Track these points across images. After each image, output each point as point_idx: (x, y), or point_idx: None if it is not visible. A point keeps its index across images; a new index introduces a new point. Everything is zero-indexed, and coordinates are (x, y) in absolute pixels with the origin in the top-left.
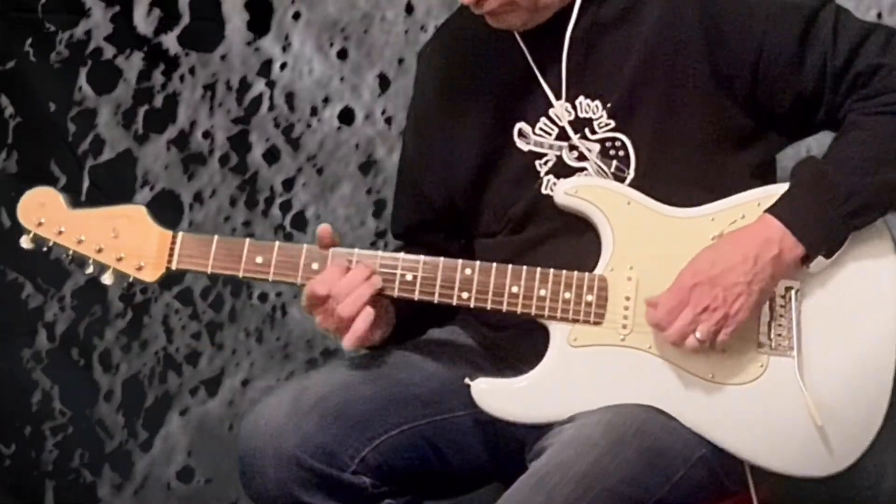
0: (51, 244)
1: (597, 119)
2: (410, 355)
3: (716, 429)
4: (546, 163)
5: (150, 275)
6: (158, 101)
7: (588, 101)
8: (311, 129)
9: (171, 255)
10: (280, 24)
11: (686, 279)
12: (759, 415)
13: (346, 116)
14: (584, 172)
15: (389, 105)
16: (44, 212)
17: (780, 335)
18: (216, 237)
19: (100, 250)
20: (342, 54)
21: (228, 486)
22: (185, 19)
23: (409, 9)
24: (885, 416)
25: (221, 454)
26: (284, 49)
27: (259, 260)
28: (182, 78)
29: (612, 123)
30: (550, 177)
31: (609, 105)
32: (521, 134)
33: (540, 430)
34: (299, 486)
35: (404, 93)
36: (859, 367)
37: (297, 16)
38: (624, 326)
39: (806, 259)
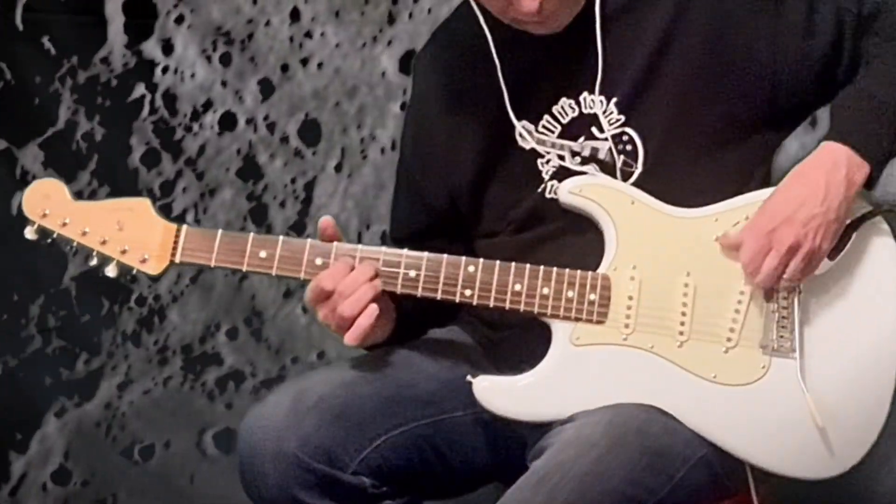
0: (55, 235)
1: (605, 115)
2: (411, 355)
3: (717, 429)
4: (548, 162)
5: (154, 267)
6: (38, 101)
7: (592, 97)
8: (192, 134)
9: (174, 249)
10: (163, 27)
11: (764, 224)
12: (761, 416)
13: (228, 121)
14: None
15: (272, 111)
16: (48, 203)
17: (782, 336)
18: (220, 231)
19: (104, 242)
20: (225, 59)
21: (104, 488)
22: (67, 20)
23: (295, 15)
24: (887, 418)
25: (98, 456)
26: (167, 52)
27: (263, 254)
28: (62, 79)
29: (623, 119)
30: (554, 182)
31: (617, 100)
32: (523, 133)
33: (541, 430)
34: (299, 487)
35: (288, 99)
36: (861, 369)
37: (180, 19)
38: (626, 326)
39: (870, 180)
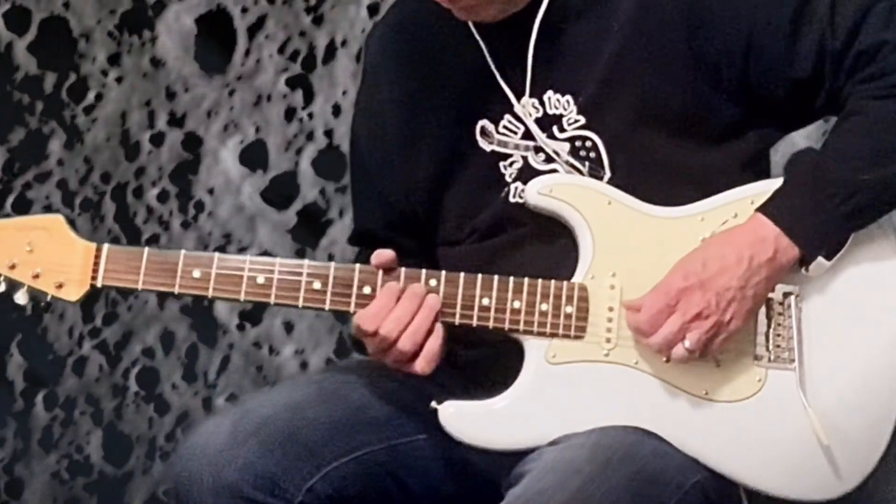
0: None
1: (566, 115)
2: (366, 373)
3: (711, 451)
4: (511, 164)
5: (73, 293)
6: None
7: (558, 95)
8: None
9: (95, 271)
10: None
11: (675, 281)
12: (759, 434)
13: None
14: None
15: None
16: None
17: (779, 346)
18: (146, 249)
19: (13, 266)
20: None
21: None
22: None
23: None
24: (894, 431)
25: None
26: None
27: (196, 274)
28: None
29: (582, 120)
30: (518, 184)
31: (580, 100)
32: (484, 133)
33: (516, 456)
34: None
35: None
36: (866, 379)
37: None
38: (608, 340)
39: (803, 261)
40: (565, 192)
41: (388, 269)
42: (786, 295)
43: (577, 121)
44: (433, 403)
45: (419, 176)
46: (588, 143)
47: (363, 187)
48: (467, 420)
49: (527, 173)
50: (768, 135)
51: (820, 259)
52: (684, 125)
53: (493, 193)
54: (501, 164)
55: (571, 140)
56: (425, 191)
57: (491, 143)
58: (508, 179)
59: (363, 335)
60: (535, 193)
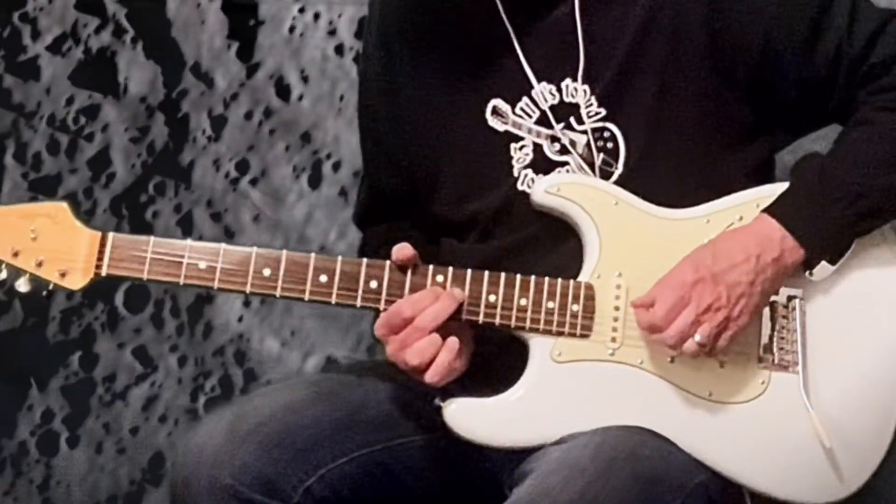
0: None
1: (585, 106)
2: (364, 374)
3: (714, 452)
4: (522, 148)
5: (76, 281)
6: None
7: (576, 84)
8: None
9: (100, 260)
10: None
11: (687, 274)
12: (762, 436)
13: None
14: (566, 167)
15: None
16: None
17: (782, 349)
18: (153, 238)
19: (16, 254)
20: None
21: None
22: None
23: None
24: (894, 435)
25: None
26: None
27: (202, 266)
28: None
29: (603, 112)
30: (529, 171)
31: (598, 91)
32: (496, 112)
33: (517, 454)
34: None
35: None
36: (868, 382)
37: None
38: (613, 340)
39: (807, 264)
40: (572, 191)
41: (401, 266)
42: (790, 299)
43: (598, 112)
44: (437, 401)
45: (421, 138)
46: (607, 134)
47: (376, 148)
48: (472, 417)
49: (540, 163)
50: (776, 140)
51: (824, 263)
52: (698, 125)
53: (501, 176)
54: (513, 145)
55: (591, 131)
56: (423, 154)
57: (505, 123)
58: (518, 165)
59: (391, 330)
60: (542, 192)
